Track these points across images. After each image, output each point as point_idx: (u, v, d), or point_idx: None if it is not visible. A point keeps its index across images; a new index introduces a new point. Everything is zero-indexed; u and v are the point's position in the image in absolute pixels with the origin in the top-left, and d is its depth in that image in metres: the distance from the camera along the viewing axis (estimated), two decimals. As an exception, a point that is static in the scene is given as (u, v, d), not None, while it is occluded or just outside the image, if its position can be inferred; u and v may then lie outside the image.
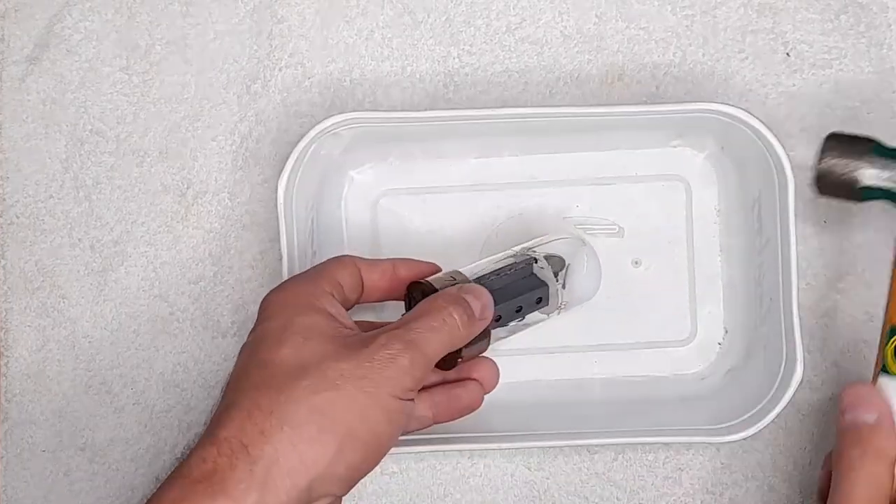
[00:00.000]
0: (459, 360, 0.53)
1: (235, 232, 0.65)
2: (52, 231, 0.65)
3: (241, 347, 0.51)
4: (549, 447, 0.63)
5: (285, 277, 0.57)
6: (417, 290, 0.54)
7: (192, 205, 0.65)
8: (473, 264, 0.56)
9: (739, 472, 0.63)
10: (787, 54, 0.65)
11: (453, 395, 0.55)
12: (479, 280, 0.55)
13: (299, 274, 0.54)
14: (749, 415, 0.59)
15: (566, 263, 0.58)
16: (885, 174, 0.54)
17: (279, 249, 0.58)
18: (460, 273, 0.55)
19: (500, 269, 0.56)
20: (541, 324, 0.59)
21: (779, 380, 0.58)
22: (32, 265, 0.65)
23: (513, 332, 0.58)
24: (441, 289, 0.52)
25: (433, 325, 0.49)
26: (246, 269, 0.65)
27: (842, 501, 0.49)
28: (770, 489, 0.63)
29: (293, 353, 0.47)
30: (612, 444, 0.63)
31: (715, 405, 0.61)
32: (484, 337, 0.53)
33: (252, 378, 0.47)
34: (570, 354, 0.64)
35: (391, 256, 0.57)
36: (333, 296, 0.51)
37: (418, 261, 0.56)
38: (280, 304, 0.51)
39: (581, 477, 0.63)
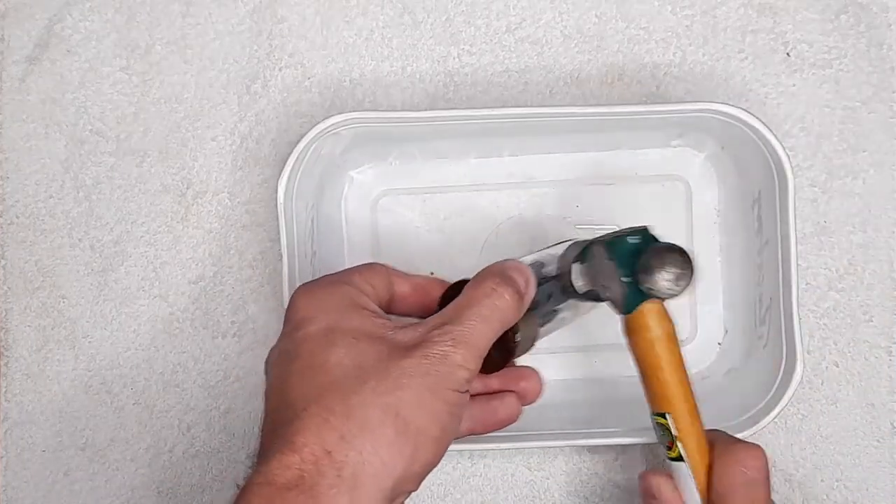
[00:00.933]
0: (512, 347, 0.51)
1: (235, 232, 0.65)
2: (52, 231, 0.65)
3: (276, 353, 0.48)
4: (549, 447, 0.63)
5: (285, 277, 0.57)
6: (457, 289, 0.50)
7: (192, 205, 0.65)
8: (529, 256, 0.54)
9: (739, 472, 0.63)
10: (787, 54, 0.65)
11: (490, 408, 0.54)
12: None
13: (329, 275, 0.51)
14: (749, 415, 0.59)
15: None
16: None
17: (279, 249, 0.58)
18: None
19: (543, 264, 0.54)
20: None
21: (779, 380, 0.58)
22: (32, 265, 0.65)
23: (547, 332, 0.56)
24: None
25: (484, 314, 0.48)
26: (246, 269, 0.65)
27: None
28: (770, 489, 0.63)
29: (347, 354, 0.46)
30: (613, 444, 0.63)
31: (715, 405, 0.61)
32: (532, 330, 0.52)
33: (311, 382, 0.46)
34: (570, 354, 0.64)
35: (422, 273, 0.55)
36: (369, 296, 0.50)
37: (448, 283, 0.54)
38: (318, 307, 0.48)
39: (581, 477, 0.64)
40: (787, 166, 0.57)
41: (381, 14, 0.66)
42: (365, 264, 0.53)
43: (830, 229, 0.64)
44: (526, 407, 0.63)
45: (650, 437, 0.60)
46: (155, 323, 0.65)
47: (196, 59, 0.66)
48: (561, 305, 0.55)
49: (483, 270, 0.50)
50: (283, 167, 0.58)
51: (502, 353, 0.51)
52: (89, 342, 0.65)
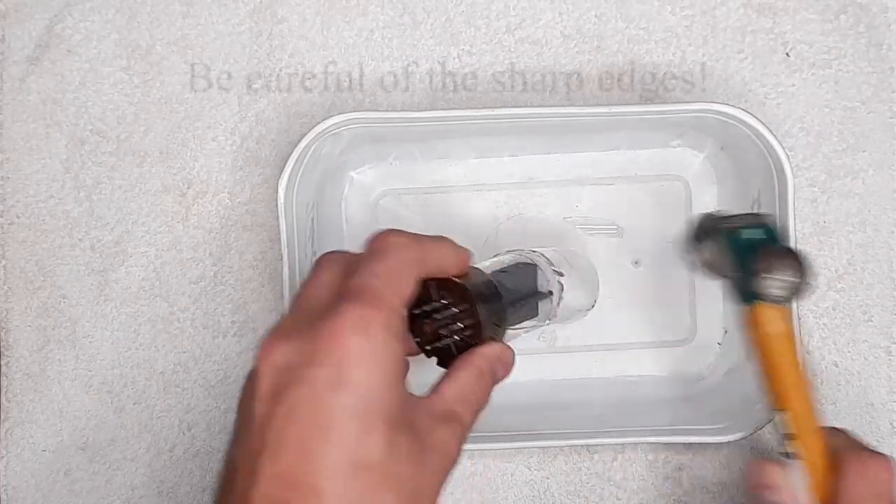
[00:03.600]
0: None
1: (236, 232, 0.65)
2: (52, 231, 0.65)
3: (304, 396, 0.38)
4: (549, 447, 0.63)
5: (285, 278, 0.57)
6: (444, 286, 0.46)
7: (193, 205, 0.65)
8: (486, 262, 0.52)
9: (739, 471, 0.63)
10: (787, 54, 0.65)
11: None
12: (493, 275, 0.50)
13: (379, 296, 0.40)
14: (749, 415, 0.59)
15: (563, 274, 0.57)
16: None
17: (279, 249, 0.58)
18: (480, 272, 0.49)
19: (506, 268, 0.53)
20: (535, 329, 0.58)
21: (778, 380, 0.58)
22: (33, 265, 0.65)
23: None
24: (474, 293, 0.45)
25: (475, 410, 0.45)
26: (246, 269, 0.65)
27: None
28: (770, 489, 0.63)
29: (381, 451, 0.38)
30: (612, 444, 0.63)
31: (715, 405, 0.61)
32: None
33: (336, 471, 0.37)
34: (570, 354, 0.64)
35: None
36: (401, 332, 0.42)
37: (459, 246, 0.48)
38: (370, 363, 0.39)
39: (581, 477, 0.64)
40: (786, 166, 0.57)
41: (381, 14, 0.66)
42: (397, 257, 0.43)
43: (830, 229, 0.64)
44: (527, 407, 0.63)
45: (650, 437, 0.60)
46: (155, 323, 0.65)
47: (196, 59, 0.66)
48: (520, 316, 0.53)
49: (481, 355, 0.45)
50: (284, 167, 0.58)
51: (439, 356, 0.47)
52: (90, 342, 0.65)
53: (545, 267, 0.56)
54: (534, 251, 0.57)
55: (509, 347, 0.46)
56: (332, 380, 0.38)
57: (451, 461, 0.42)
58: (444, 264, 0.45)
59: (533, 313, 0.54)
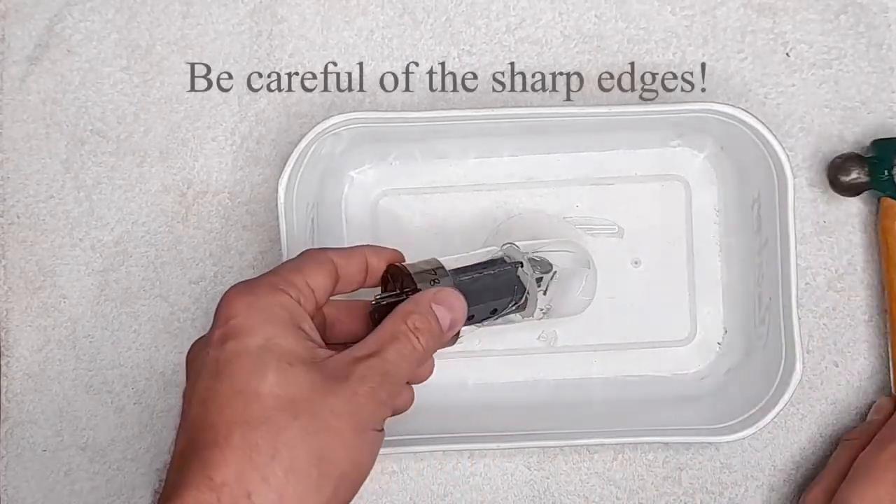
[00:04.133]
0: None
1: (236, 232, 0.65)
2: (52, 231, 0.65)
3: (203, 358, 0.46)
4: (549, 447, 0.63)
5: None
6: (397, 276, 0.52)
7: (193, 205, 0.65)
8: (457, 255, 0.55)
9: (739, 471, 0.63)
10: (787, 54, 0.65)
11: None
12: (459, 274, 0.53)
13: (269, 276, 0.49)
14: (749, 415, 0.59)
15: (553, 270, 0.57)
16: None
17: (279, 249, 0.58)
18: (439, 264, 0.53)
19: (481, 264, 0.54)
20: (523, 323, 0.58)
21: (778, 379, 0.58)
22: (33, 265, 0.65)
23: (483, 325, 0.56)
24: (418, 280, 0.51)
25: (404, 354, 0.48)
26: (246, 269, 0.65)
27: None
28: (770, 489, 0.63)
29: (279, 382, 0.45)
30: (612, 444, 0.63)
31: (715, 405, 0.61)
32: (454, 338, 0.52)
33: (239, 410, 0.44)
34: (570, 354, 0.64)
35: (359, 244, 0.54)
36: (304, 308, 0.48)
37: (385, 248, 0.54)
38: (255, 317, 0.46)
39: (581, 477, 0.64)
40: (786, 166, 0.57)
41: (381, 14, 0.66)
42: (305, 254, 0.51)
43: (830, 229, 0.64)
44: (527, 407, 0.63)
45: (650, 437, 0.60)
46: (155, 323, 0.65)
47: (196, 58, 0.66)
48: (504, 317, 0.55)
49: (413, 299, 0.50)
50: (284, 167, 0.58)
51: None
52: (90, 342, 0.65)
53: (528, 266, 0.56)
54: (515, 246, 0.57)
55: (424, 303, 0.50)
56: (222, 334, 0.46)
57: (368, 395, 0.46)
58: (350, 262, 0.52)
59: (507, 310, 0.55)
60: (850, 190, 0.62)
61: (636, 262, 0.64)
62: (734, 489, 0.63)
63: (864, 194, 0.62)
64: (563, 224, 0.64)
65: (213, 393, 0.45)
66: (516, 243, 0.57)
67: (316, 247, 0.53)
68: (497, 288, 0.54)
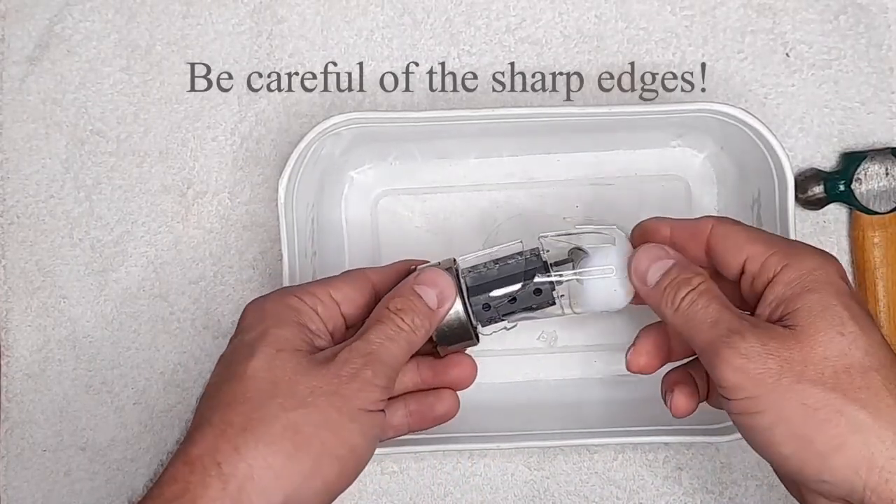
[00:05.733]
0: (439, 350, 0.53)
1: (236, 232, 0.65)
2: (52, 231, 0.65)
3: (219, 358, 0.50)
4: (549, 447, 0.63)
5: (286, 277, 0.57)
6: None
7: (193, 205, 0.65)
8: (476, 253, 0.54)
9: (739, 471, 0.63)
10: (787, 54, 0.65)
11: (427, 404, 0.55)
12: (475, 269, 0.53)
13: (289, 287, 0.53)
14: (749, 414, 0.59)
15: (582, 257, 0.53)
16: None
17: (279, 249, 0.58)
18: (453, 262, 0.53)
19: (502, 258, 0.54)
20: (554, 318, 0.55)
21: (778, 379, 0.58)
22: (33, 265, 0.65)
23: (517, 321, 0.54)
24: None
25: (389, 334, 0.49)
26: (246, 269, 0.65)
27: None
28: (770, 488, 0.63)
29: (264, 365, 0.47)
30: (612, 444, 0.63)
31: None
32: (467, 337, 0.52)
33: (224, 393, 0.47)
34: (570, 354, 0.64)
35: (395, 260, 0.55)
36: (317, 312, 0.50)
37: (419, 260, 0.55)
38: (259, 316, 0.50)
39: (581, 477, 0.64)
40: (786, 166, 0.57)
41: (381, 14, 0.66)
42: (342, 273, 0.53)
43: (830, 229, 0.64)
44: (527, 407, 0.63)
45: (650, 437, 0.60)
46: (155, 323, 0.65)
47: (196, 59, 0.66)
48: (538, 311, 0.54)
49: (397, 286, 0.51)
50: (284, 167, 0.58)
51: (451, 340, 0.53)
52: (90, 342, 0.65)
53: (540, 247, 0.53)
54: (547, 237, 0.54)
55: (405, 287, 0.51)
56: (238, 331, 0.50)
57: (351, 375, 0.47)
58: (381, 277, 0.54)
59: (530, 300, 0.53)
60: (812, 205, 0.63)
61: (636, 262, 0.64)
62: (734, 489, 0.63)
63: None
64: (564, 224, 0.64)
65: (209, 386, 0.48)
66: (548, 234, 0.54)
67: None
68: (509, 276, 0.53)
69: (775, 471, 0.48)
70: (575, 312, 0.54)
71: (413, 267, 0.53)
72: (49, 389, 0.65)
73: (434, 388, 0.55)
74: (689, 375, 0.52)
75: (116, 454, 0.64)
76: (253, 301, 0.51)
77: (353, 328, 0.52)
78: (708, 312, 0.46)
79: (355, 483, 0.63)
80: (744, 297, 0.50)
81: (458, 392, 0.56)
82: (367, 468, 0.63)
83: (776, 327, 0.45)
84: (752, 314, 0.48)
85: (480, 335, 0.54)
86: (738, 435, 0.58)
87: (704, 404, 0.53)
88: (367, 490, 0.64)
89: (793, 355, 0.43)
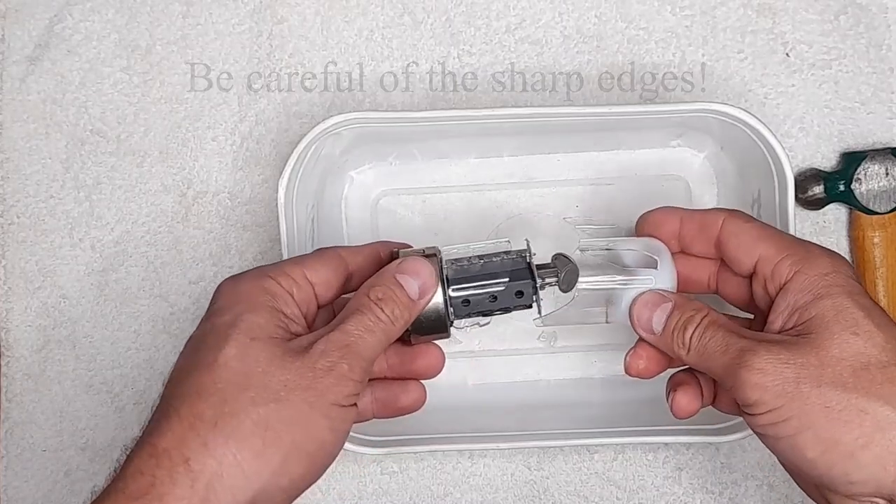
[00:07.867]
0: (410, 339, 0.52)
1: (235, 232, 0.65)
2: (52, 231, 0.65)
3: (188, 338, 0.48)
4: (549, 447, 0.63)
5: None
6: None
7: (193, 205, 0.65)
8: (464, 245, 0.54)
9: (739, 471, 0.63)
10: (787, 54, 0.65)
11: (393, 394, 0.54)
12: (458, 262, 0.52)
13: (262, 266, 0.51)
14: (749, 414, 0.59)
15: (569, 267, 0.53)
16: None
17: (279, 249, 0.58)
18: (437, 250, 0.52)
19: (487, 255, 0.53)
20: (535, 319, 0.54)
21: (778, 379, 0.58)
22: (33, 265, 0.65)
23: (490, 319, 0.54)
24: None
25: (367, 325, 0.47)
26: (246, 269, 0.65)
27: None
28: (770, 488, 0.63)
29: (237, 355, 0.45)
30: (612, 444, 0.63)
31: (715, 405, 0.61)
32: (442, 329, 0.51)
33: (194, 381, 0.45)
34: (570, 354, 0.64)
35: (372, 241, 0.55)
36: (293, 296, 0.49)
37: (396, 242, 0.54)
38: (233, 298, 0.48)
39: (581, 477, 0.64)
40: (786, 166, 0.57)
41: (381, 14, 0.66)
42: (316, 252, 0.52)
43: (829, 229, 0.64)
44: (527, 407, 0.63)
45: (650, 437, 0.60)
46: (155, 323, 0.65)
47: (196, 59, 0.66)
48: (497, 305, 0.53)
49: (377, 273, 0.50)
50: (284, 167, 0.58)
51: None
52: (90, 342, 0.65)
53: (527, 249, 0.53)
54: (585, 251, 0.55)
55: (387, 275, 0.50)
56: (210, 312, 0.49)
57: (327, 369, 0.46)
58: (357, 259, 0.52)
59: (511, 301, 0.52)
60: (812, 205, 0.63)
61: (636, 262, 0.64)
62: (734, 489, 0.63)
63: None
64: (563, 224, 0.64)
65: (178, 370, 0.47)
66: (590, 244, 0.55)
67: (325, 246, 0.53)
68: (492, 272, 0.52)
69: (799, 479, 0.49)
70: (608, 322, 0.54)
71: (395, 251, 0.52)
72: (49, 389, 0.65)
73: (401, 379, 0.54)
74: (694, 378, 0.52)
75: (116, 454, 0.64)
76: (226, 280, 0.50)
77: (325, 308, 0.51)
78: (716, 342, 0.47)
79: (355, 483, 0.63)
80: (755, 296, 0.50)
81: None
82: (367, 468, 0.63)
83: (787, 337, 0.45)
84: (766, 319, 0.48)
85: (452, 329, 0.52)
86: (739, 435, 0.58)
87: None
88: (367, 490, 0.64)
89: (808, 361, 0.44)
